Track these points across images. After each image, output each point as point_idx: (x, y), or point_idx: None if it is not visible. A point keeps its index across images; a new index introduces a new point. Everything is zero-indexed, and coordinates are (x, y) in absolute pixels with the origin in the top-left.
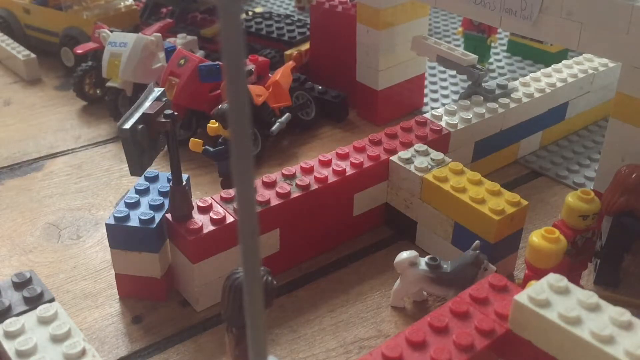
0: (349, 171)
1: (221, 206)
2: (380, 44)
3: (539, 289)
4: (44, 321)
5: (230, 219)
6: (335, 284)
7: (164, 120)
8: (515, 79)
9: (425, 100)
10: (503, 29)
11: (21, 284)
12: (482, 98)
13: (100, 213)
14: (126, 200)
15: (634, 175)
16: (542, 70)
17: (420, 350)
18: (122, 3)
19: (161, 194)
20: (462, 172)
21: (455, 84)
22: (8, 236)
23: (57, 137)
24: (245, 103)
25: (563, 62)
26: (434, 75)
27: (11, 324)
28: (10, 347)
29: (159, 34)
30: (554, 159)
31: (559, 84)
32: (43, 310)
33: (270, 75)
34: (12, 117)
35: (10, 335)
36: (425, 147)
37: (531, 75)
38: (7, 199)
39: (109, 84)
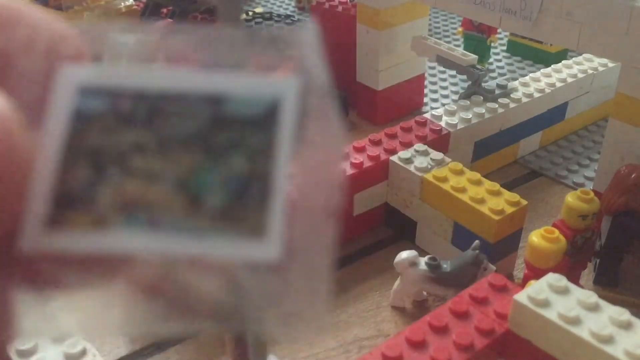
0: (349, 171)
1: None
2: (380, 44)
3: (538, 288)
4: None
5: None
6: (335, 284)
7: None
8: (515, 79)
9: (425, 100)
10: (503, 29)
11: None
12: (482, 98)
13: None
14: None
15: (633, 175)
16: (541, 70)
17: (420, 350)
18: (123, 3)
19: None
20: (461, 172)
21: (455, 84)
22: None
23: None
24: None
25: (563, 62)
26: (434, 75)
27: None
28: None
29: None
30: (554, 159)
31: (558, 84)
32: None
33: None
34: None
35: None
36: (425, 147)
37: (531, 75)
38: None
39: None
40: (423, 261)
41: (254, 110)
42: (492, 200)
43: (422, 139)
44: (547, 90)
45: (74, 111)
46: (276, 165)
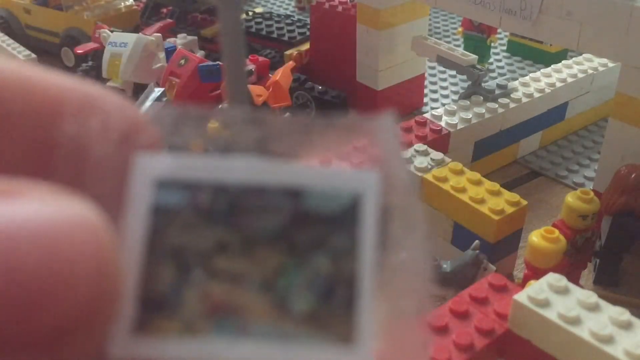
0: None
1: None
2: (380, 44)
3: (538, 288)
4: None
5: None
6: None
7: None
8: (515, 79)
9: (425, 100)
10: (503, 29)
11: None
12: (482, 98)
13: None
14: None
15: (633, 175)
16: (541, 70)
17: None
18: (123, 3)
19: None
20: (461, 172)
21: (455, 84)
22: None
23: None
24: (245, 103)
25: (563, 62)
26: (434, 75)
27: None
28: None
29: (159, 34)
30: (554, 159)
31: (558, 84)
32: None
33: (270, 75)
34: None
35: None
36: (425, 147)
37: (531, 75)
38: None
39: (109, 84)
40: None
41: (334, 206)
42: (492, 200)
43: (422, 139)
44: (547, 90)
45: (152, 206)
46: (362, 266)
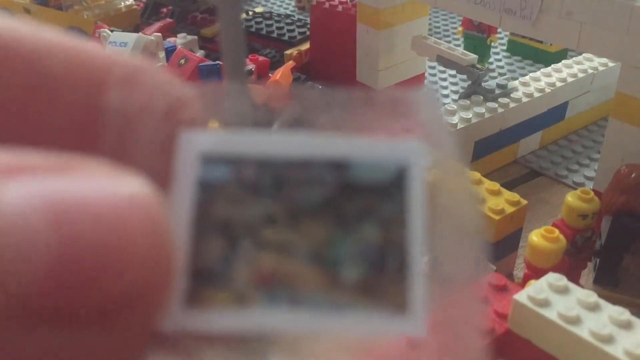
0: None
1: None
2: (380, 44)
3: (538, 288)
4: None
5: None
6: None
7: None
8: (515, 78)
9: None
10: (503, 29)
11: None
12: (482, 98)
13: None
14: None
15: (633, 175)
16: (542, 70)
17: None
18: (123, 3)
19: None
20: None
21: (455, 84)
22: None
23: None
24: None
25: (563, 61)
26: (434, 75)
27: None
28: None
29: (159, 34)
30: (554, 159)
31: (558, 84)
32: None
33: (270, 74)
34: None
35: None
36: None
37: (531, 75)
38: None
39: None
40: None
41: (380, 176)
42: (492, 200)
43: None
44: (547, 90)
45: (198, 181)
46: (411, 234)
